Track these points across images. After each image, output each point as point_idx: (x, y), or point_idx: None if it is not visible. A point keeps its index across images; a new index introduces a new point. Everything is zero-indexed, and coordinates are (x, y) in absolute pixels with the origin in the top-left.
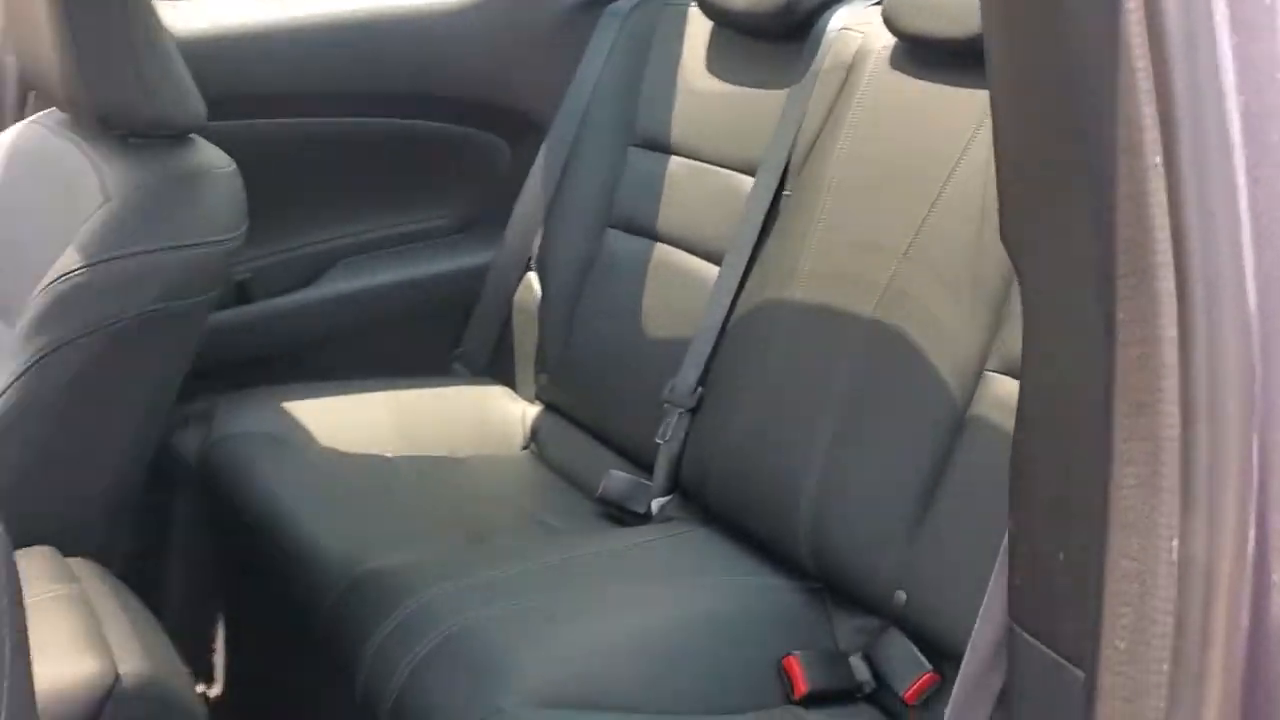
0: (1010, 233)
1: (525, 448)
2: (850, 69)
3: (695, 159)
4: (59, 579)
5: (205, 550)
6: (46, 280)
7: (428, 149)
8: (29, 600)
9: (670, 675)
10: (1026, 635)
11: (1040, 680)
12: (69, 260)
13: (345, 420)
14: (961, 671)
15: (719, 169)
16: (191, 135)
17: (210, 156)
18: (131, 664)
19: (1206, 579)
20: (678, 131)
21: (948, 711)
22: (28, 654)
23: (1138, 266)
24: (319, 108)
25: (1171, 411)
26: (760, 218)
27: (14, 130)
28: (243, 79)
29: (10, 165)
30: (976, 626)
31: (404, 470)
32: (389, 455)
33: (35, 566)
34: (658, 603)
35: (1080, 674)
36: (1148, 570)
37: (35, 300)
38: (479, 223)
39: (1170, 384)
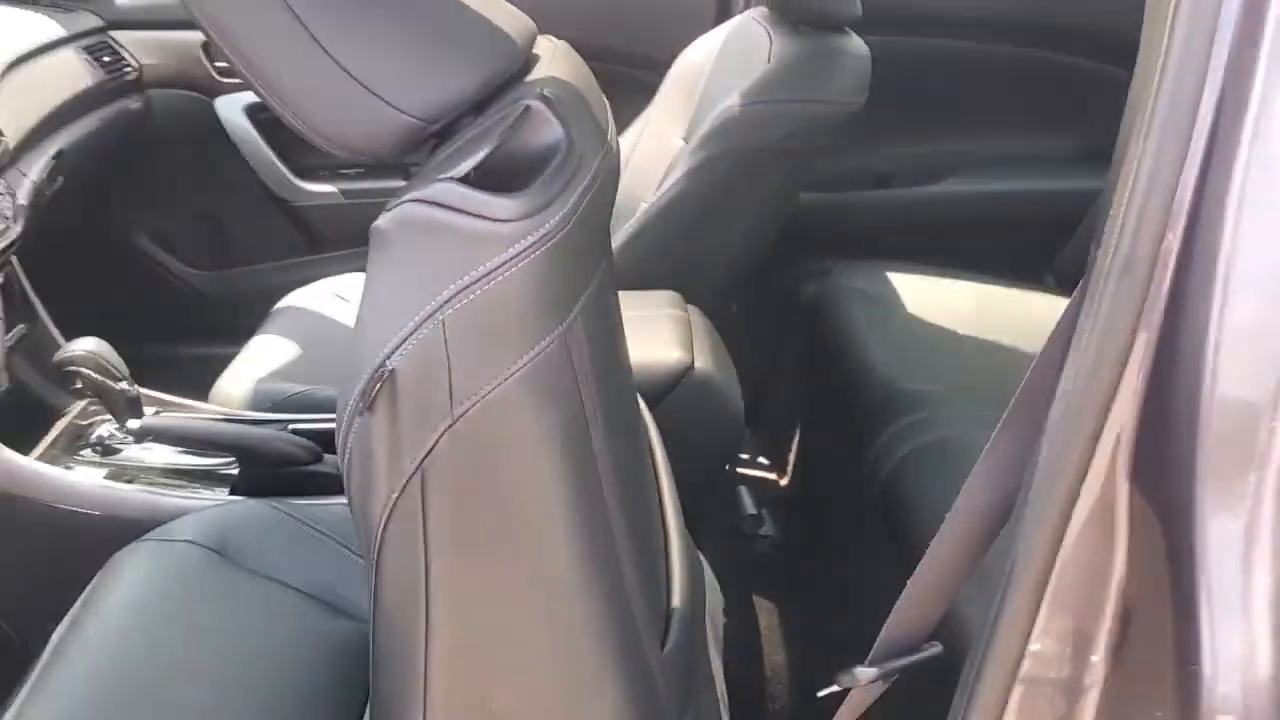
0: None
1: None
2: None
3: None
4: (675, 308)
5: (802, 374)
6: (713, 113)
7: (1058, 80)
8: (653, 314)
9: None
10: None
11: None
12: (731, 100)
13: (933, 298)
14: None
15: None
16: (846, 29)
17: (852, 44)
18: (703, 363)
19: None
20: None
21: None
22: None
23: None
24: (970, 32)
25: None
26: None
27: (734, 20)
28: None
29: (725, 44)
30: None
31: (968, 348)
32: (960, 333)
33: (663, 299)
34: None
35: None
36: None
37: (704, 126)
38: (1097, 153)
39: None
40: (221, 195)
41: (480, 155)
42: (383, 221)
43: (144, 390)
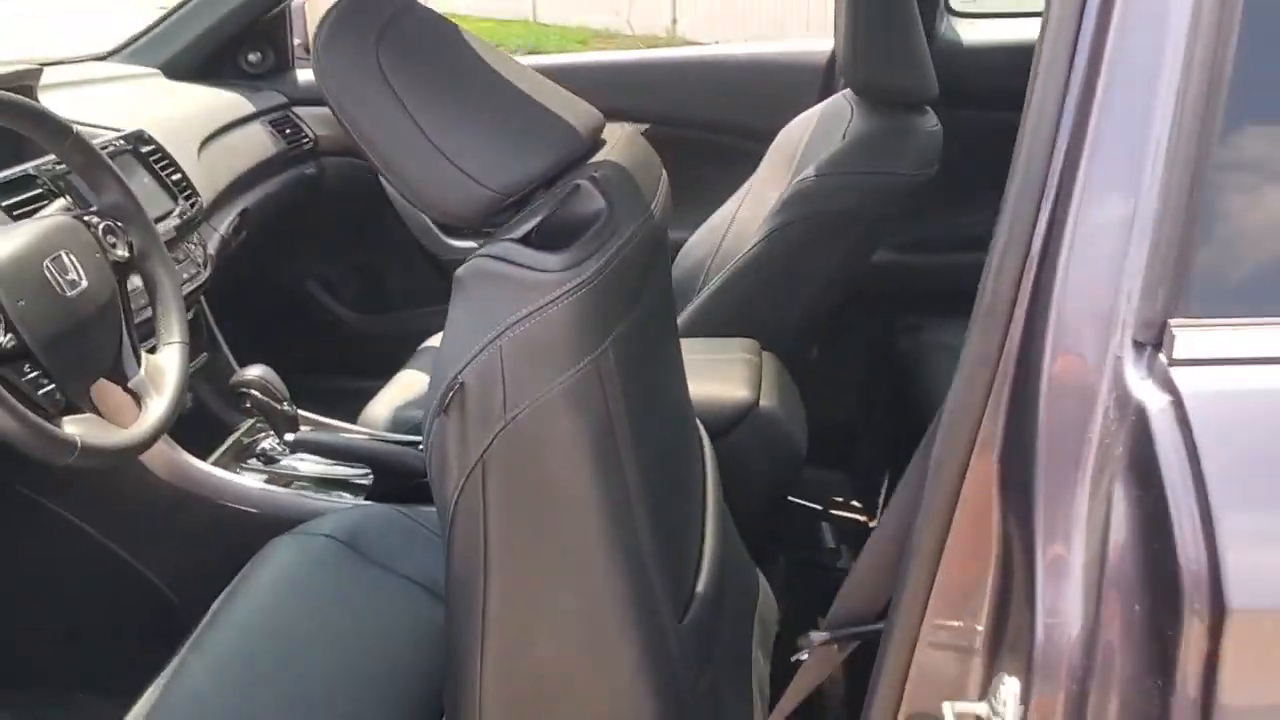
0: None
1: None
2: None
3: None
4: (750, 353)
5: (892, 422)
6: (790, 181)
7: None
8: (728, 358)
9: None
10: None
11: None
12: (808, 171)
13: None
14: None
15: None
16: (924, 107)
17: (925, 121)
18: (769, 402)
19: None
20: None
21: None
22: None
23: None
24: None
25: None
26: None
27: (829, 100)
28: (984, 80)
29: (819, 119)
30: None
31: None
32: None
33: (739, 345)
34: None
35: None
36: None
37: (782, 195)
38: None
39: None
40: (379, 249)
41: (534, 221)
42: (462, 271)
43: (301, 411)
